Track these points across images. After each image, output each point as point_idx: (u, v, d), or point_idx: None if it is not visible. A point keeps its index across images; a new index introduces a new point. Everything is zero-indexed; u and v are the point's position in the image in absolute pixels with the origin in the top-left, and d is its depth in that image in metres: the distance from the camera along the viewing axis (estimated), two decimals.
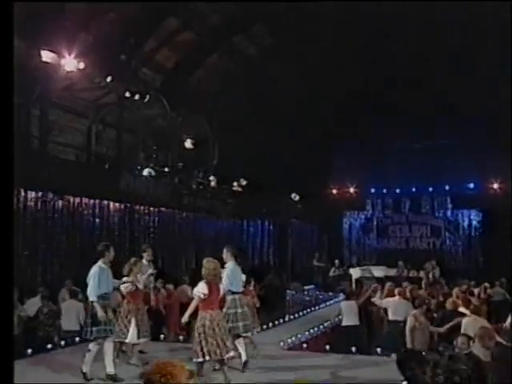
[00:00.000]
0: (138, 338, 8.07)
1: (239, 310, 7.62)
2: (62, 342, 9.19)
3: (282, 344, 9.16)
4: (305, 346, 9.01)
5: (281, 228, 23.50)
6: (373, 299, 11.36)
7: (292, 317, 12.74)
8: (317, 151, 22.28)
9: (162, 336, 10.07)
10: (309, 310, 14.18)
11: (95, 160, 17.28)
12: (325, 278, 20.25)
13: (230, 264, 7.80)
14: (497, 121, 19.77)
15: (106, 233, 15.31)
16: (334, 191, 25.50)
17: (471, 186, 23.81)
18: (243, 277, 8.38)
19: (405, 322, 9.97)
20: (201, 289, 6.76)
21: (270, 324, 11.31)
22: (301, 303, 17.17)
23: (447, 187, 24.36)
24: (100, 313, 7.18)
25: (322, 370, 7.94)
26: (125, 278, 8.22)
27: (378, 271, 19.19)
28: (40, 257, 13.32)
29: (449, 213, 24.58)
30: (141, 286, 8.36)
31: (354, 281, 18.98)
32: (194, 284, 14.19)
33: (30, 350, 8.43)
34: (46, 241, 13.46)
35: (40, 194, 13.37)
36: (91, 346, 7.34)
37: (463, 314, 9.68)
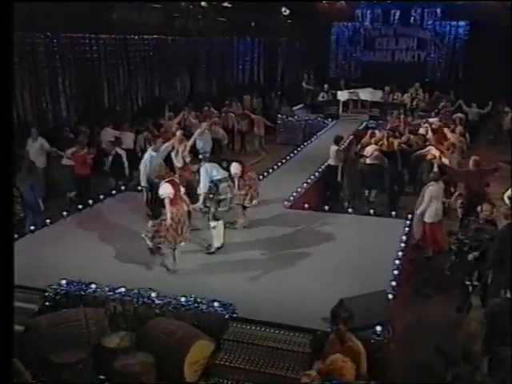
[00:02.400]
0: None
1: (230, 196, 8.14)
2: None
3: (285, 203, 10.33)
4: (306, 205, 10.11)
5: (271, 47, 23.38)
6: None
7: (288, 157, 13.77)
8: None
9: None
10: (301, 146, 15.25)
11: None
12: (313, 100, 20.94)
13: (203, 166, 8.15)
14: None
15: (104, 68, 15.54)
16: (324, 1, 24.78)
17: None
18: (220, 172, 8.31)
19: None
20: (167, 189, 7.24)
21: (270, 169, 12.47)
22: (292, 129, 18.38)
23: None
24: (145, 197, 8.58)
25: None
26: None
27: (365, 94, 19.94)
28: (43, 99, 13.75)
29: (437, 24, 24.43)
30: (188, 160, 9.23)
31: (341, 104, 19.89)
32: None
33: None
34: (49, 82, 13.78)
35: (33, 34, 13.22)
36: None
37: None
